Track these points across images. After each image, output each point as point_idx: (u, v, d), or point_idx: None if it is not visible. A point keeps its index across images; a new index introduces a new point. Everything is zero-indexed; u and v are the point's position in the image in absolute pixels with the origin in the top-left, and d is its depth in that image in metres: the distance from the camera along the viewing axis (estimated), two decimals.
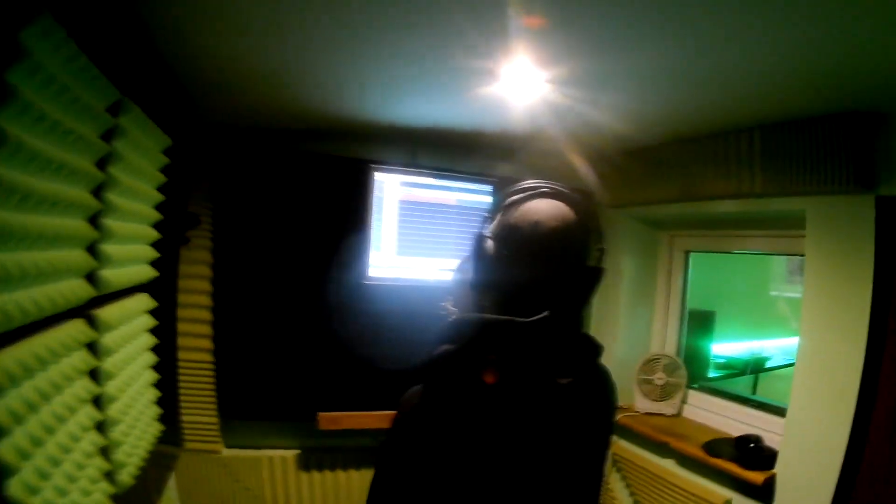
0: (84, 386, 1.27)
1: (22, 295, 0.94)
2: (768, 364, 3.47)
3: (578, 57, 1.53)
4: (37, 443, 1.01)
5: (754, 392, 3.22)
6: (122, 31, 1.34)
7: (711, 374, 3.18)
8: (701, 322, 2.99)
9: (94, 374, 1.34)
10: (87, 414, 1.29)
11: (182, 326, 2.48)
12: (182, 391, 2.50)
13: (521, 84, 1.74)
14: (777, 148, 2.01)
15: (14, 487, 0.91)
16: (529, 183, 1.04)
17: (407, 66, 1.68)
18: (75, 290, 1.20)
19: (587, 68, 1.60)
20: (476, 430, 0.94)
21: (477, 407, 0.94)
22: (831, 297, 1.93)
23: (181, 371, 2.49)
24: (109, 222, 1.38)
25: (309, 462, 2.75)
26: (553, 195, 1.01)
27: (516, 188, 1.05)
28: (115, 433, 1.46)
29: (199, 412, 2.55)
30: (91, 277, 1.30)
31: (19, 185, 0.89)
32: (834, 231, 1.93)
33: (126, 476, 1.52)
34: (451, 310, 1.34)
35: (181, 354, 2.48)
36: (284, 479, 2.72)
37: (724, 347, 3.44)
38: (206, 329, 2.54)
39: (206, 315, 2.54)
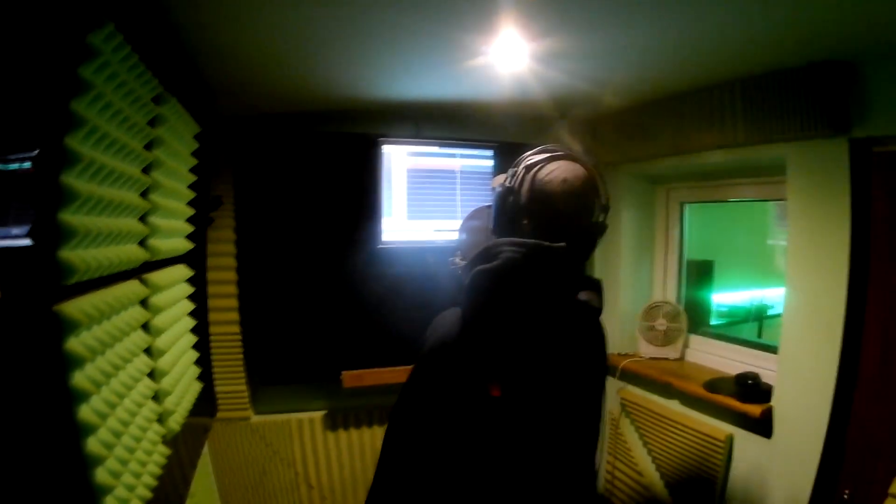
0: (139, 336, 1.41)
1: (97, 252, 1.09)
2: (771, 311, 3.45)
3: (562, 31, 1.61)
4: (107, 375, 1.14)
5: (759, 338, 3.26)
6: (159, 33, 1.47)
7: (714, 321, 3.20)
8: (701, 272, 3.02)
9: (147, 328, 1.48)
10: (143, 361, 1.42)
11: (212, 302, 2.58)
12: (214, 363, 2.61)
13: (510, 56, 1.82)
14: (757, 99, 2.06)
15: (85, 413, 1.03)
16: (547, 147, 1.19)
17: (404, 44, 1.75)
18: (134, 253, 1.36)
19: (570, 42, 1.69)
20: (487, 368, 1.09)
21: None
22: (814, 236, 1.99)
23: (213, 344, 2.60)
24: (156, 197, 1.52)
25: (335, 422, 2.86)
26: (570, 158, 1.17)
27: (537, 151, 1.19)
28: (165, 382, 1.59)
29: (230, 382, 2.67)
30: (143, 244, 1.45)
31: (95, 160, 1.04)
32: (813, 174, 1.98)
33: (174, 423, 1.64)
34: (460, 263, 1.49)
35: (212, 329, 2.59)
36: (312, 439, 2.83)
37: (727, 297, 3.46)
38: (233, 303, 2.64)
39: (233, 290, 2.64)
